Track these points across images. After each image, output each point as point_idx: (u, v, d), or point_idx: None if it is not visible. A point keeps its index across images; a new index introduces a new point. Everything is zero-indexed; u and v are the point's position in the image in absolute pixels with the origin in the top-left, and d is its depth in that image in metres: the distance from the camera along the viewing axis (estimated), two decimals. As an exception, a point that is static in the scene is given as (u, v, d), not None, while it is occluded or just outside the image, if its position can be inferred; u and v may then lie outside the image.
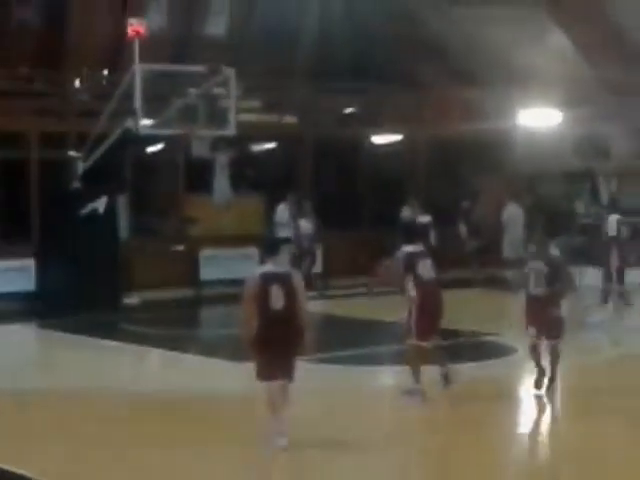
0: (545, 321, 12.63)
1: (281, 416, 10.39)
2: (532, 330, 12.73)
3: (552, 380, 12.72)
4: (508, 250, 24.30)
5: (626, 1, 24.32)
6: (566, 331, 12.82)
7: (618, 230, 19.61)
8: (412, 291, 12.53)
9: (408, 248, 12.76)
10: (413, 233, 13.85)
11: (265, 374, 10.32)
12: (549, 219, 25.03)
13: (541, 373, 12.76)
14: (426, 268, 12.63)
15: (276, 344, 10.19)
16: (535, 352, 12.82)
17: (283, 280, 10.26)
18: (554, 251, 13.37)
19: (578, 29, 25.88)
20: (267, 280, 10.24)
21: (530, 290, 12.83)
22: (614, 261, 19.32)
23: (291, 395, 10.45)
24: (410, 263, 12.63)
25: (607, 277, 19.51)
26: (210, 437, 10.92)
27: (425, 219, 24.11)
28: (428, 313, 12.52)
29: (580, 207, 27.22)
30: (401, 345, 13.12)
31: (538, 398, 12.68)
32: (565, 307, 13.66)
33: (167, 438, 10.94)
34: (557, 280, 12.66)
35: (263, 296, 10.19)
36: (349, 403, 12.72)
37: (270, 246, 10.75)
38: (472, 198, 26.47)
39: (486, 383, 13.84)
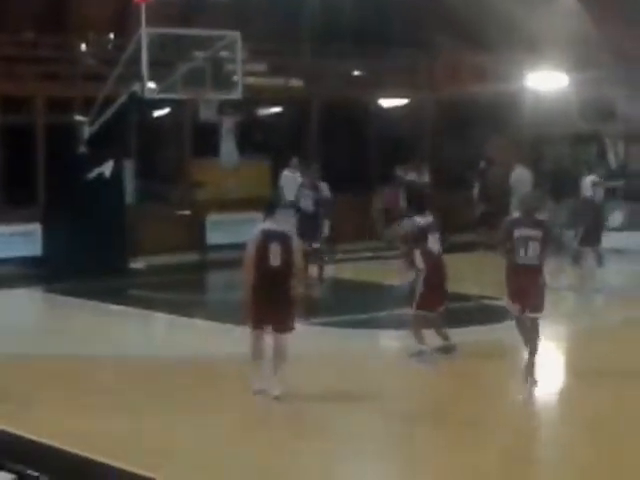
0: (532, 294, 11.66)
1: (272, 366, 10.93)
2: (517, 307, 11.70)
3: (533, 354, 11.81)
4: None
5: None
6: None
7: (593, 192, 19.44)
8: (421, 263, 12.74)
9: (419, 220, 12.90)
10: (423, 202, 13.74)
11: (256, 323, 10.93)
12: (556, 182, 25.01)
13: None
14: (435, 241, 12.81)
15: (270, 297, 10.79)
16: (524, 327, 11.84)
17: (282, 238, 10.86)
18: (542, 216, 12.63)
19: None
20: (267, 237, 10.85)
21: (518, 259, 11.61)
22: (588, 222, 18.97)
23: (288, 352, 10.95)
24: (421, 236, 12.81)
25: (581, 239, 19.04)
26: (214, 394, 11.03)
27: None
28: (435, 286, 12.72)
29: (586, 170, 27.09)
30: (405, 309, 13.18)
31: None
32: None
33: (176, 398, 11.12)
34: (546, 247, 11.73)
35: (262, 252, 10.78)
36: (357, 364, 12.78)
37: (269, 207, 11.26)
38: (486, 160, 26.36)
39: (491, 345, 13.87)
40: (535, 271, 11.65)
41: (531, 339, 11.79)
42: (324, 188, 19.90)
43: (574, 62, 26.20)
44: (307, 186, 19.92)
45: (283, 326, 10.89)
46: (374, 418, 10.45)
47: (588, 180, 19.81)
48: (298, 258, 10.98)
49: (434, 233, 12.85)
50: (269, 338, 11.06)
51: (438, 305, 12.77)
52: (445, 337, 12.93)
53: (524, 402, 11.38)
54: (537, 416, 11.24)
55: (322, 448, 9.39)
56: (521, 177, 25.09)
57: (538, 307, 11.72)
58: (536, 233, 11.59)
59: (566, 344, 15.08)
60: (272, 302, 10.79)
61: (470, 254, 22.02)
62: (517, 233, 11.59)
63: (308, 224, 18.54)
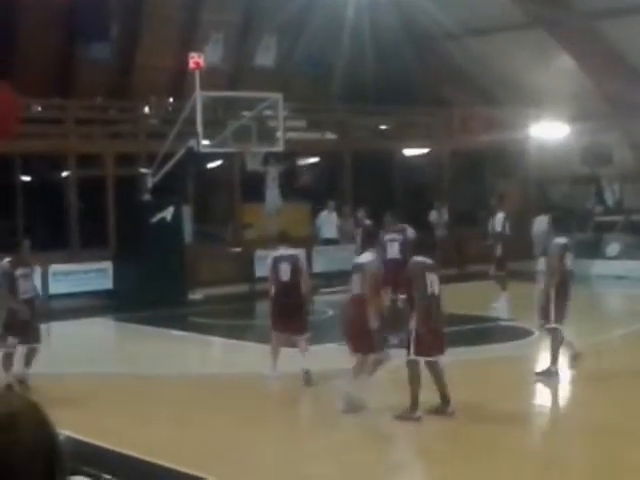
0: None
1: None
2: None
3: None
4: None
5: (620, 24, 24.10)
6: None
7: (503, 226, 19.62)
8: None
9: (418, 259, 10.72)
10: (422, 245, 11.80)
11: (275, 326, 12.38)
12: (562, 218, 24.88)
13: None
14: (434, 282, 10.48)
15: (284, 305, 12.18)
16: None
17: (290, 260, 12.32)
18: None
19: (580, 51, 25.70)
20: (277, 260, 12.47)
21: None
22: (499, 252, 19.34)
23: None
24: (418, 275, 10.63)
25: (497, 266, 19.50)
26: (264, 407, 10.99)
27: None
28: (432, 329, 10.34)
29: (589, 206, 27.02)
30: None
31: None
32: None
33: (234, 410, 11.08)
34: None
35: (275, 271, 12.40)
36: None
37: (280, 238, 13.23)
38: (497, 198, 26.24)
39: (509, 362, 13.79)
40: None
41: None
42: (410, 231, 15.94)
43: (574, 113, 26.19)
44: (392, 230, 15.60)
45: (299, 330, 12.22)
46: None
47: (500, 216, 19.95)
48: (305, 273, 12.38)
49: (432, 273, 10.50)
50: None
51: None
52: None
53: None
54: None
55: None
56: (542, 226, 24.63)
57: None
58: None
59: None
60: (287, 311, 12.16)
61: (483, 282, 21.92)
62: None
63: (397, 272, 13.44)
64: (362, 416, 10.66)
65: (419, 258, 10.60)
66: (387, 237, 15.30)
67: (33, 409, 1.56)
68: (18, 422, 1.51)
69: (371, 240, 12.52)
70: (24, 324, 12.09)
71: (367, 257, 11.05)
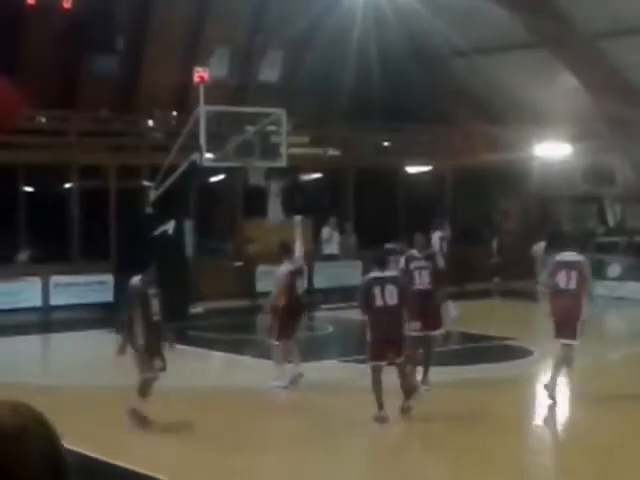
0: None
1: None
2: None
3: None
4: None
5: (622, 44, 24.15)
6: None
7: (440, 246, 19.65)
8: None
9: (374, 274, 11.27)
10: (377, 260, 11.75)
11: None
12: (560, 237, 24.87)
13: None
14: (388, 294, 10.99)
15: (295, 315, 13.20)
16: None
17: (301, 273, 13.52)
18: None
19: (583, 71, 25.73)
20: (292, 274, 13.29)
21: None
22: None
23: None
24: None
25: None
26: (266, 420, 10.92)
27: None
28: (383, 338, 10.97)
29: (591, 226, 27.01)
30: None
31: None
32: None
33: (231, 423, 10.98)
34: None
35: (291, 284, 13.18)
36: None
37: (283, 250, 13.85)
38: (500, 216, 26.33)
39: (509, 381, 13.71)
40: None
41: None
42: (439, 258, 13.89)
43: (576, 133, 26.19)
44: (419, 257, 13.00)
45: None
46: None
47: (436, 235, 19.95)
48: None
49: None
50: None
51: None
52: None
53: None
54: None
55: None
56: (539, 251, 24.63)
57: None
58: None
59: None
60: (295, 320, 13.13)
61: (486, 300, 21.88)
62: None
63: (426, 305, 12.37)
64: (368, 427, 10.64)
65: (374, 273, 11.19)
66: (414, 264, 12.79)
67: (42, 421, 1.54)
68: (27, 434, 1.48)
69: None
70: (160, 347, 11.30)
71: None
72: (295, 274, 13.38)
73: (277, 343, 13.17)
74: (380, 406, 10.80)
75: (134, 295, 11.39)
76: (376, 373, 10.92)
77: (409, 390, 11.08)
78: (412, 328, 11.59)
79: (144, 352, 10.92)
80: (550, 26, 24.80)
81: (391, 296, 10.93)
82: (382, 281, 11.04)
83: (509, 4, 24.75)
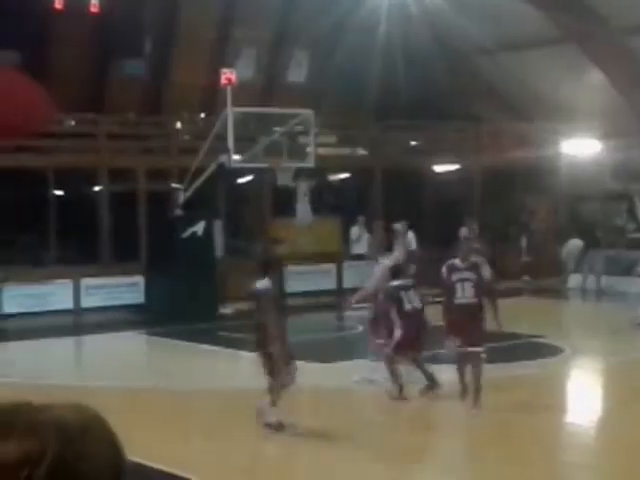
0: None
1: None
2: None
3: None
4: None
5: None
6: None
7: (417, 244, 19.59)
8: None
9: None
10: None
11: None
12: (592, 235, 24.73)
13: None
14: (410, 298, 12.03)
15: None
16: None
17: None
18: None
19: (612, 67, 25.56)
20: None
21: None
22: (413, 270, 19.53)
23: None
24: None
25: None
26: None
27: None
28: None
29: (621, 222, 26.81)
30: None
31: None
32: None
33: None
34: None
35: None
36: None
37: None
38: (527, 214, 26.20)
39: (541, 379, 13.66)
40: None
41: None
42: (485, 268, 13.10)
43: (605, 130, 26.01)
44: (462, 267, 11.69)
45: None
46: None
47: (411, 235, 20.10)
48: None
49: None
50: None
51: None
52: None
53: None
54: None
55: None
56: (573, 249, 24.50)
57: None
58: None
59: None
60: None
61: (516, 299, 21.78)
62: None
63: (470, 321, 11.33)
64: (381, 431, 10.62)
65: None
66: (455, 276, 11.61)
67: (103, 422, 1.56)
68: (90, 434, 1.50)
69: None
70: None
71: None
72: (396, 271, 12.70)
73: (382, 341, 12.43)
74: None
75: (268, 299, 10.75)
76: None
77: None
78: (452, 344, 11.30)
79: (279, 357, 10.51)
80: (578, 22, 24.66)
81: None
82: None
83: (536, 1, 24.63)
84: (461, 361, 11.54)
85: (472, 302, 11.29)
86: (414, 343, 11.83)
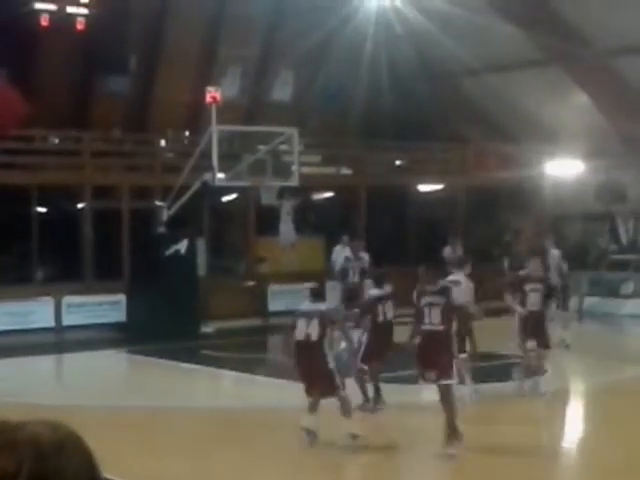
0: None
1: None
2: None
3: None
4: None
5: (636, 61, 24.17)
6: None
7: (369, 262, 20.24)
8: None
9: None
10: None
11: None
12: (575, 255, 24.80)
13: None
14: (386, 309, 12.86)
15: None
16: None
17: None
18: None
19: (596, 88, 25.77)
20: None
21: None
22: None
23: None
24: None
25: None
26: (272, 440, 10.95)
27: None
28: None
29: (603, 244, 26.90)
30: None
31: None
32: None
33: (239, 443, 10.98)
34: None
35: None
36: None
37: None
38: (512, 235, 26.29)
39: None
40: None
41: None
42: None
43: (588, 150, 26.19)
44: (432, 291, 11.05)
45: None
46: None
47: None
48: None
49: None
50: None
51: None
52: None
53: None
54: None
55: None
56: (554, 260, 24.57)
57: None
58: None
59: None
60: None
61: (499, 319, 21.81)
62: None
63: (436, 350, 10.84)
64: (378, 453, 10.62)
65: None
66: (424, 300, 10.98)
67: (78, 439, 1.59)
68: (66, 451, 1.53)
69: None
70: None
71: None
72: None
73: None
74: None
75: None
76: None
77: None
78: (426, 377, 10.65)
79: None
80: (562, 43, 24.86)
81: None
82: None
83: (520, 22, 24.82)
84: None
85: (437, 329, 10.59)
86: (380, 354, 12.51)
